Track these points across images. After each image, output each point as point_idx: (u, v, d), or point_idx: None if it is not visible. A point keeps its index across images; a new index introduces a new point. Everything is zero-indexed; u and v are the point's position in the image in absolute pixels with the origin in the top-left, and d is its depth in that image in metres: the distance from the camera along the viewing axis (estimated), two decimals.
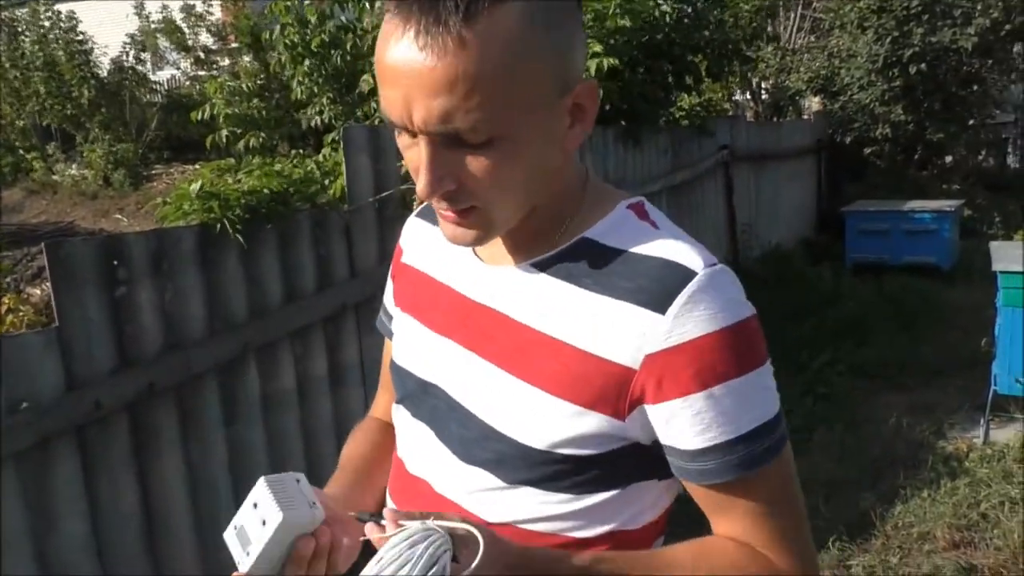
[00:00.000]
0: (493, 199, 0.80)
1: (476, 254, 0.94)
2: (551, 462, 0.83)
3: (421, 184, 0.77)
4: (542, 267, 0.87)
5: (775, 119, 10.28)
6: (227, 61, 9.32)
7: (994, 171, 11.73)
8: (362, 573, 0.77)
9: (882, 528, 3.34)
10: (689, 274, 0.80)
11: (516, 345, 0.86)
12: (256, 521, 0.82)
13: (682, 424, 0.80)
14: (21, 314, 3.49)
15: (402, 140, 0.81)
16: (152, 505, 2.41)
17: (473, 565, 0.74)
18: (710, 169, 6.58)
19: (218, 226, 2.58)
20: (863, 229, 8.18)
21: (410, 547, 0.74)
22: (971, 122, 10.20)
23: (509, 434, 0.85)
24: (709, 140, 6.45)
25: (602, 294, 0.83)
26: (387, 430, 1.12)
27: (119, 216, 6.94)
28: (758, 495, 0.83)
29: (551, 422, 0.82)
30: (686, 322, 0.78)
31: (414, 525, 0.76)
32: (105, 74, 8.51)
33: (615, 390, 0.81)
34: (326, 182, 3.44)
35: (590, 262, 0.85)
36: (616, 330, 0.81)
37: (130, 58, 8.75)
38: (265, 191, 2.76)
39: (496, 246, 0.91)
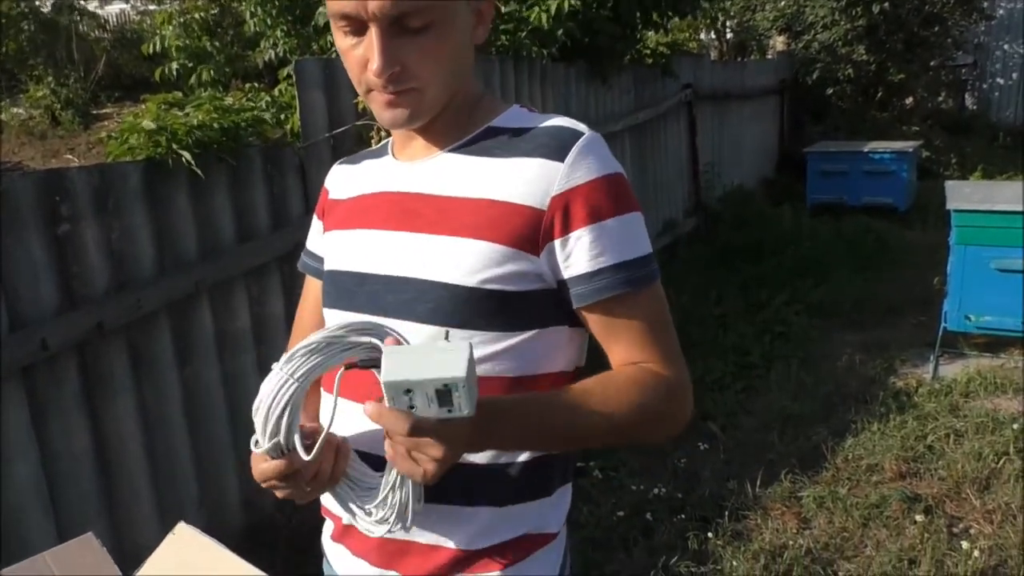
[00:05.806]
0: (428, 79, 0.96)
1: (397, 159, 1.10)
2: (481, 299, 0.96)
3: (375, 65, 0.93)
4: (456, 151, 1.04)
5: (739, 59, 10.21)
6: None
7: (952, 113, 11.82)
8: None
9: (833, 461, 3.43)
10: (578, 133, 0.99)
11: (440, 213, 1.00)
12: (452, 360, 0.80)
13: (581, 251, 0.97)
14: None
15: (346, 42, 0.96)
16: (105, 447, 2.38)
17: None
18: (673, 108, 6.53)
19: (170, 161, 2.50)
20: (824, 170, 8.24)
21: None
22: (932, 63, 10.24)
23: (442, 279, 0.97)
24: (672, 79, 6.39)
25: (510, 156, 1.00)
26: None
27: (69, 156, 6.70)
28: (643, 314, 1.00)
29: (478, 260, 0.96)
30: (579, 168, 0.97)
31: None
32: (48, 8, 8.13)
33: (530, 229, 0.96)
34: (282, 117, 3.34)
35: (497, 139, 1.03)
36: (525, 179, 0.97)
37: None
38: (216, 126, 2.67)
39: (414, 148, 1.07)
